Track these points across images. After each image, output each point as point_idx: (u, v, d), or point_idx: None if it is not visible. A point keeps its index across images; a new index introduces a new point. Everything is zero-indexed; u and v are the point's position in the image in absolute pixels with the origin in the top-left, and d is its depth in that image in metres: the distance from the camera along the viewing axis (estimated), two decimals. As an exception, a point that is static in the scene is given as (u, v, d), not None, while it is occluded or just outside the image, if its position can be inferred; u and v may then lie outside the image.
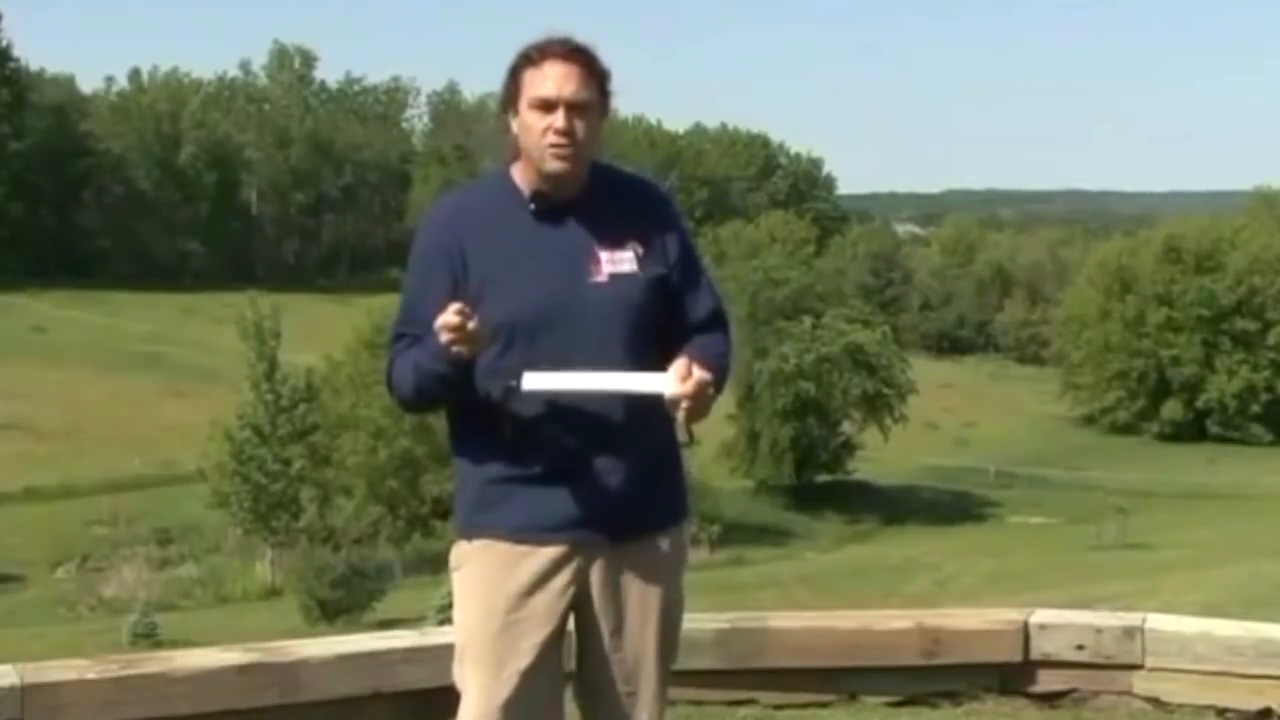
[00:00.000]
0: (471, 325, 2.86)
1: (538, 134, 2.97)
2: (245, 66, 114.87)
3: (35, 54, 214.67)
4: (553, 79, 2.96)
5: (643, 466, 3.06)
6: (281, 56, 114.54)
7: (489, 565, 3.05)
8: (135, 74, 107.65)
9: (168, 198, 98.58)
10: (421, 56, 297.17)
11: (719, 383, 3.00)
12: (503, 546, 3.04)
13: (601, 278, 3.01)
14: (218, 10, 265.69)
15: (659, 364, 2.99)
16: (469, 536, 3.09)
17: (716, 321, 3.14)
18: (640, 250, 3.05)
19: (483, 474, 3.06)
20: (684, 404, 2.90)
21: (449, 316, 2.85)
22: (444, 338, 2.86)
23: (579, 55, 2.98)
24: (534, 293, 2.98)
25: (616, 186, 3.11)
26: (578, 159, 2.99)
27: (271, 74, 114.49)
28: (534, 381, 2.93)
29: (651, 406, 2.99)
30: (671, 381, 2.91)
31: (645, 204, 3.12)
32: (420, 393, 3.02)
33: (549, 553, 3.03)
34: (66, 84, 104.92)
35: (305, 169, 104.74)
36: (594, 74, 2.99)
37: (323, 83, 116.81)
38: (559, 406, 2.97)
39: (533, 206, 3.03)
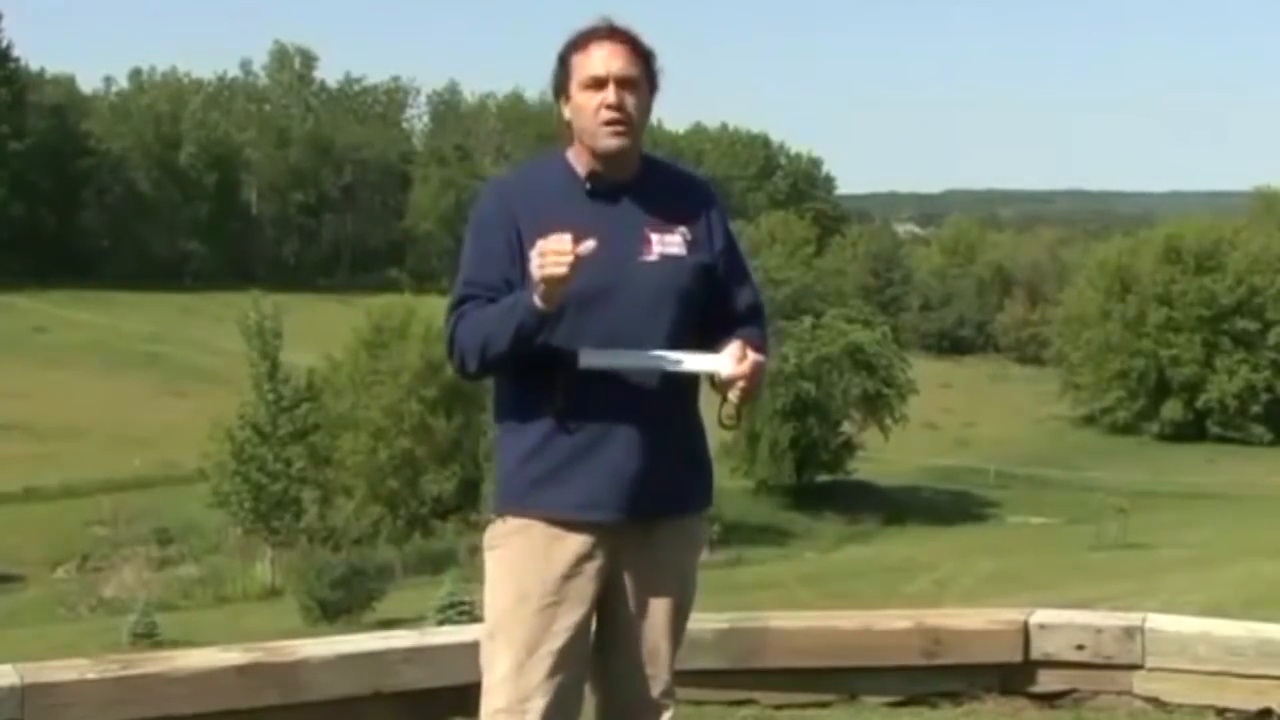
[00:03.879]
0: (572, 255, 2.86)
1: (590, 112, 3.05)
2: (245, 66, 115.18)
3: (35, 54, 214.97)
4: (600, 57, 3.05)
5: (677, 450, 3.13)
6: (281, 56, 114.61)
7: (527, 547, 3.10)
8: (135, 74, 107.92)
9: (168, 198, 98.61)
10: (421, 56, 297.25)
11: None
12: (540, 528, 3.09)
13: (652, 256, 3.08)
14: (218, 10, 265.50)
15: (697, 349, 3.06)
16: (506, 514, 3.14)
17: (756, 316, 3.22)
18: (689, 236, 3.13)
19: (524, 449, 3.10)
20: (739, 384, 2.99)
21: (559, 243, 2.85)
22: (547, 262, 2.85)
23: (622, 34, 3.08)
24: (584, 267, 2.99)
25: (668, 176, 3.21)
26: (630, 133, 3.06)
27: (271, 74, 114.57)
28: (590, 358, 2.97)
29: (684, 389, 3.08)
30: (728, 362, 2.99)
31: (694, 195, 3.21)
32: (487, 348, 3.01)
33: (585, 536, 3.09)
34: (66, 84, 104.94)
35: (305, 169, 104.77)
36: (639, 52, 3.08)
37: (323, 83, 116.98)
38: (602, 386, 3.02)
39: (588, 186, 3.10)
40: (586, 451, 3.05)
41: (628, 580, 3.14)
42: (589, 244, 2.91)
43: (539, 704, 3.07)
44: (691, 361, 3.01)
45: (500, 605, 3.13)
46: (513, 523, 3.13)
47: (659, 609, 3.16)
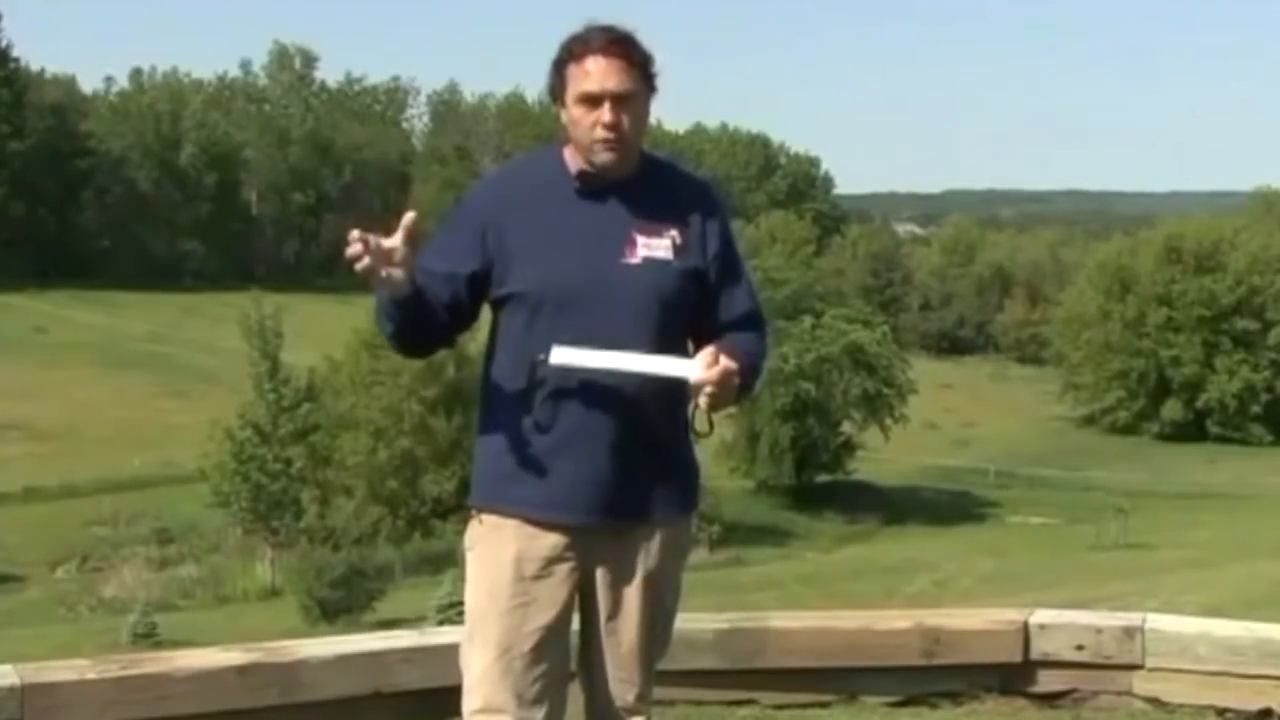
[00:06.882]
0: (387, 244, 2.88)
1: (586, 128, 3.01)
2: (245, 66, 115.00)
3: (35, 54, 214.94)
4: (595, 74, 3.00)
5: (656, 453, 3.09)
6: (281, 56, 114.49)
7: (499, 547, 3.09)
8: (135, 74, 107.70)
9: (168, 198, 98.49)
10: (421, 56, 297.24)
11: (748, 379, 3.03)
12: (513, 527, 3.08)
13: (634, 259, 3.04)
14: (218, 10, 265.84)
15: (686, 356, 3.02)
16: (481, 510, 3.13)
17: (751, 323, 3.16)
18: (678, 240, 3.08)
19: (499, 445, 3.09)
20: (707, 390, 2.93)
21: (349, 249, 2.88)
22: (355, 268, 2.89)
23: (618, 46, 3.01)
24: (564, 265, 3.00)
25: (666, 177, 3.16)
26: (626, 149, 3.03)
27: (271, 74, 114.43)
28: (561, 356, 2.95)
29: (669, 394, 3.03)
30: (697, 367, 2.94)
31: (692, 198, 3.15)
32: (379, 323, 3.06)
33: (557, 537, 3.07)
34: (66, 84, 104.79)
35: (305, 169, 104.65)
36: (635, 63, 3.02)
37: (323, 83, 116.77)
38: (579, 386, 3.00)
39: (578, 184, 3.07)
40: (559, 451, 3.03)
41: (601, 584, 3.12)
42: (408, 215, 2.92)
43: (514, 706, 3.05)
44: (662, 365, 2.97)
45: (475, 605, 3.12)
46: (488, 522, 3.11)
47: (632, 614, 3.13)
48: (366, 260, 2.88)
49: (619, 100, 2.99)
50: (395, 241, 2.91)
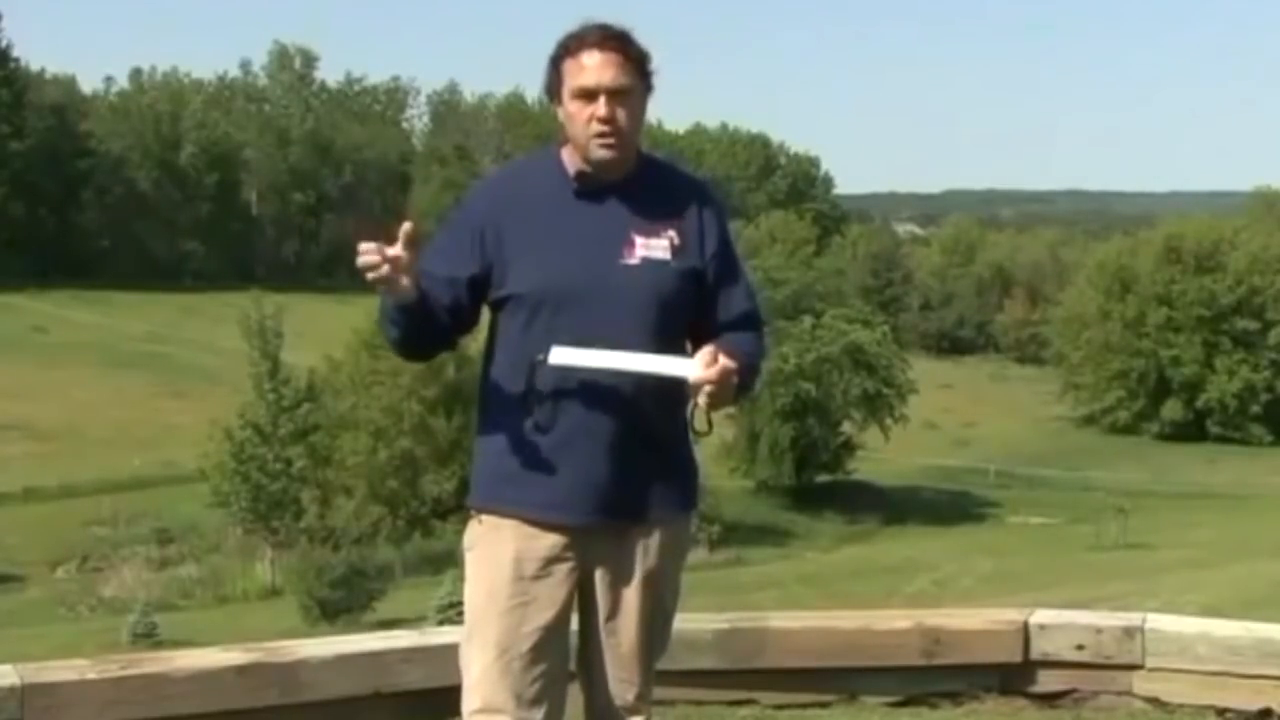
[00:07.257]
0: (392, 253, 2.89)
1: (582, 123, 3.02)
2: (245, 66, 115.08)
3: (35, 54, 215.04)
4: (591, 68, 3.00)
5: (654, 453, 3.10)
6: (281, 56, 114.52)
7: (498, 547, 3.10)
8: (135, 74, 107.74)
9: (168, 198, 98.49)
10: (421, 56, 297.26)
11: (746, 378, 3.03)
12: (512, 527, 3.08)
13: (633, 260, 3.04)
14: (218, 10, 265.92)
15: (684, 356, 3.03)
16: (480, 511, 3.14)
17: (749, 323, 3.17)
18: (676, 240, 3.08)
19: (498, 446, 3.09)
20: (706, 389, 2.93)
21: (361, 258, 2.89)
22: (368, 277, 2.91)
23: (614, 41, 3.02)
24: (562, 267, 3.01)
25: (663, 177, 3.16)
26: (622, 145, 3.03)
27: (271, 74, 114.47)
28: (561, 356, 2.96)
29: (668, 394, 3.03)
30: (696, 366, 2.94)
31: (690, 198, 3.14)
32: (382, 329, 3.08)
33: (556, 538, 3.07)
34: (66, 84, 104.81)
35: (305, 169, 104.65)
36: (631, 58, 3.03)
37: (323, 83, 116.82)
38: (578, 387, 3.00)
39: (575, 185, 3.07)
40: (558, 452, 3.03)
41: (600, 584, 3.12)
42: (406, 225, 2.94)
43: (513, 706, 3.06)
44: (661, 364, 2.97)
45: (475, 606, 3.12)
46: (487, 523, 3.12)
47: (630, 614, 3.14)
48: (385, 269, 2.90)
49: (614, 94, 3.00)
50: (398, 250, 2.93)
